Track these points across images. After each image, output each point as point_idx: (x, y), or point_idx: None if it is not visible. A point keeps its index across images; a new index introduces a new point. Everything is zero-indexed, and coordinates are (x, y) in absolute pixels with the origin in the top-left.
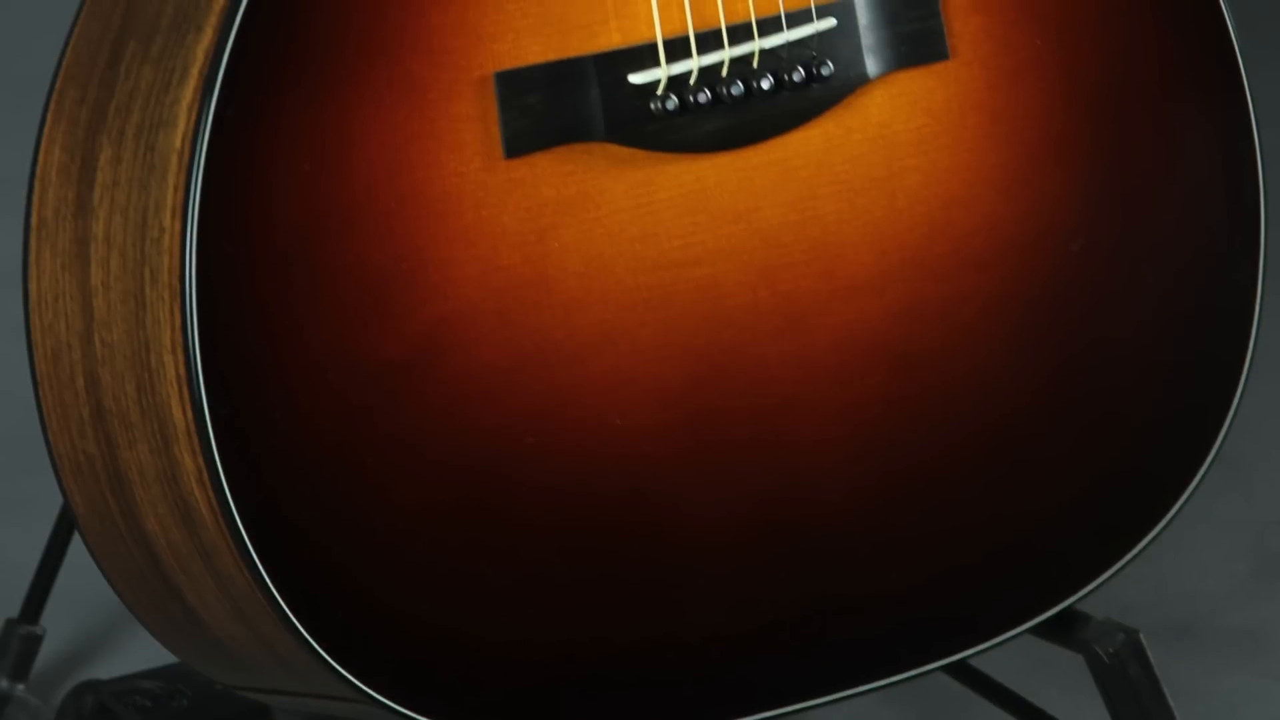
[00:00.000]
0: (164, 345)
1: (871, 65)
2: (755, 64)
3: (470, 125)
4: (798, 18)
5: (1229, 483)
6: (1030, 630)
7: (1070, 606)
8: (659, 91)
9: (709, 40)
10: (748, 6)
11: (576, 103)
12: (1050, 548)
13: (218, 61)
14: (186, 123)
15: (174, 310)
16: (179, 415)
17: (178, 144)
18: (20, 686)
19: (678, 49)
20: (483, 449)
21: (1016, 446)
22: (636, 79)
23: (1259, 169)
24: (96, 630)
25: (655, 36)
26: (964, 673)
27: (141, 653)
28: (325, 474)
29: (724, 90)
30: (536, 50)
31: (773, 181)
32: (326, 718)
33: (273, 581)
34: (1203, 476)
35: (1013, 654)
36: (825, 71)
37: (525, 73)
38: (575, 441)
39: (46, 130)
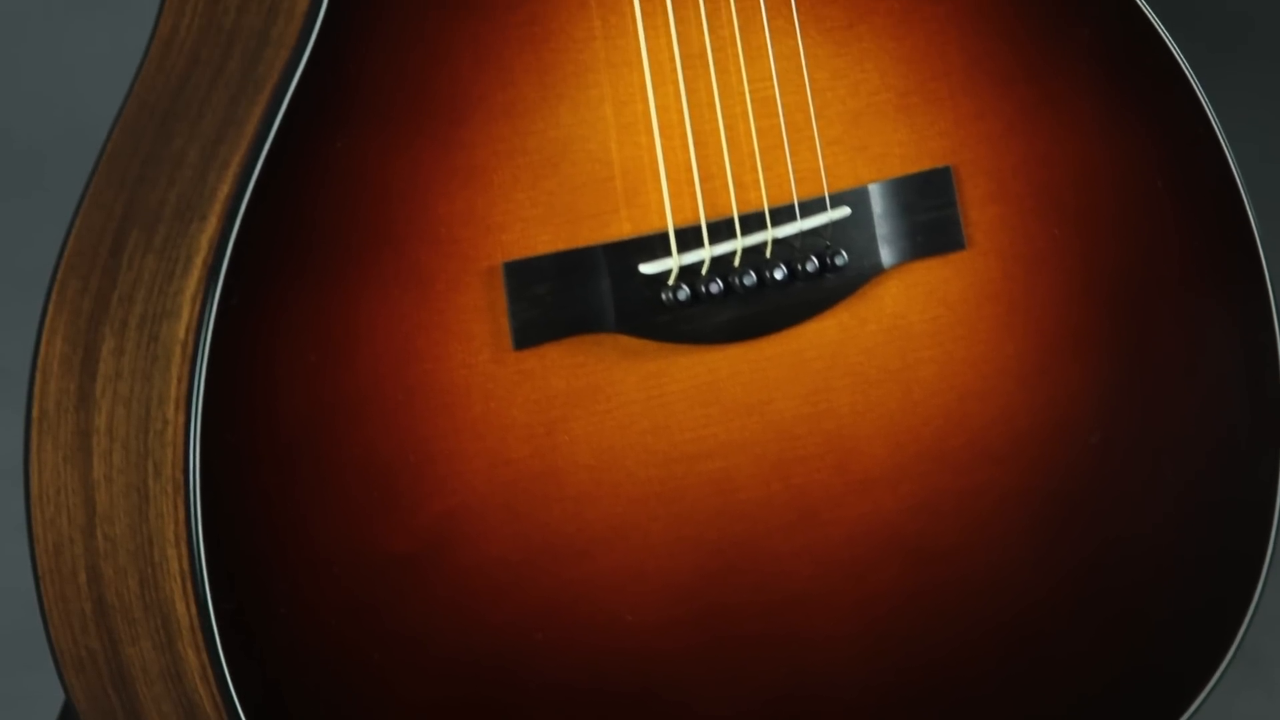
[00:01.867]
0: (167, 539)
1: (886, 255)
2: (768, 254)
3: (478, 316)
4: (811, 207)
5: (1249, 679)
6: None
7: None
8: (670, 282)
9: (721, 229)
10: (760, 195)
11: (587, 293)
12: None
13: (222, 251)
14: (190, 313)
15: (177, 504)
16: (182, 610)
17: (181, 335)
18: None
19: (689, 238)
20: (491, 645)
21: (1034, 642)
22: (647, 269)
23: None
24: None
25: (666, 226)
26: None
27: None
28: (330, 669)
29: (736, 280)
30: (546, 240)
31: (786, 373)
32: None
33: None
34: (1223, 673)
35: None
36: (839, 261)
37: (534, 263)
38: (585, 637)
39: (48, 321)
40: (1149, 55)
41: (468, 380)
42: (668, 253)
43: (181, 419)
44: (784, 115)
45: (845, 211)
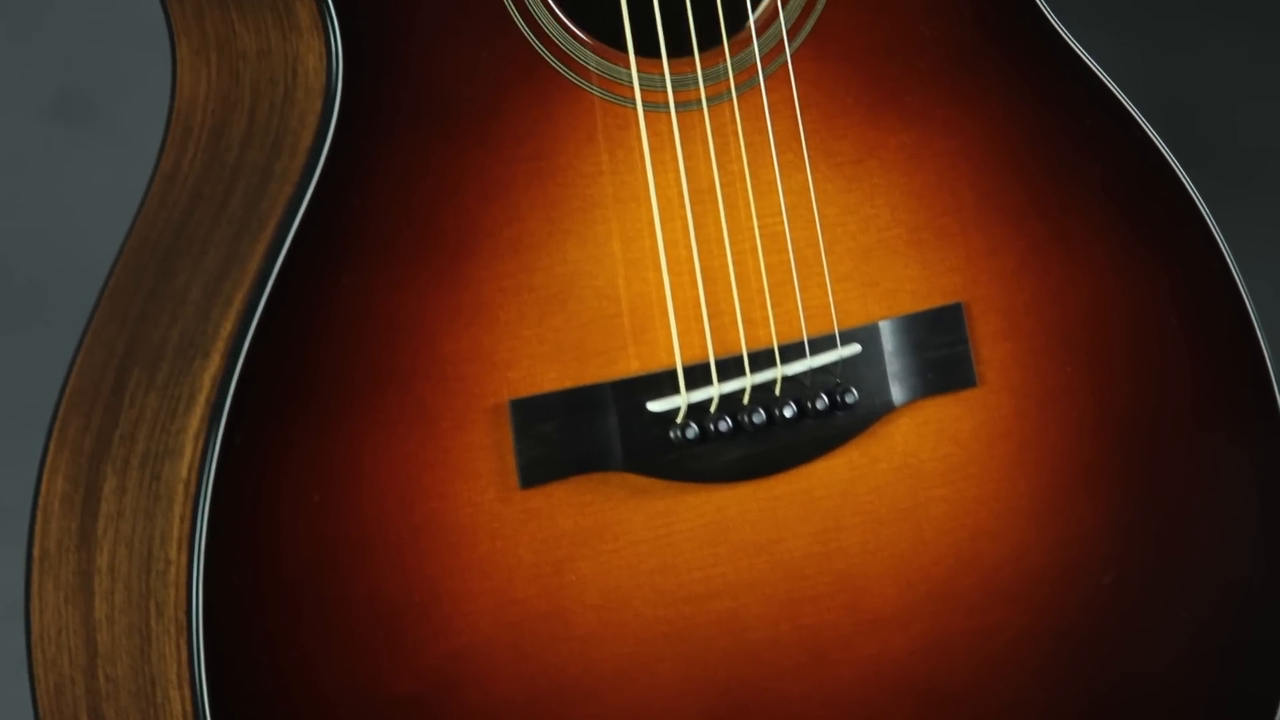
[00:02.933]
0: (170, 680)
1: (897, 393)
2: (778, 391)
3: (484, 454)
4: (821, 344)
5: None
6: None
7: None
8: (678, 420)
9: (730, 367)
10: (770, 332)
11: (594, 431)
12: None
13: (225, 389)
14: (193, 452)
15: (180, 645)
16: None
17: (184, 474)
18: None
19: (698, 376)
20: None
21: None
22: (655, 407)
23: None
24: None
25: (675, 363)
26: None
27: None
28: None
29: (745, 418)
30: (552, 377)
31: (796, 512)
32: None
33: None
34: None
35: None
36: (850, 399)
37: (541, 400)
38: None
39: (49, 459)
40: (1163, 191)
41: (474, 519)
42: (676, 390)
43: (184, 559)
44: (794, 251)
45: (856, 349)
